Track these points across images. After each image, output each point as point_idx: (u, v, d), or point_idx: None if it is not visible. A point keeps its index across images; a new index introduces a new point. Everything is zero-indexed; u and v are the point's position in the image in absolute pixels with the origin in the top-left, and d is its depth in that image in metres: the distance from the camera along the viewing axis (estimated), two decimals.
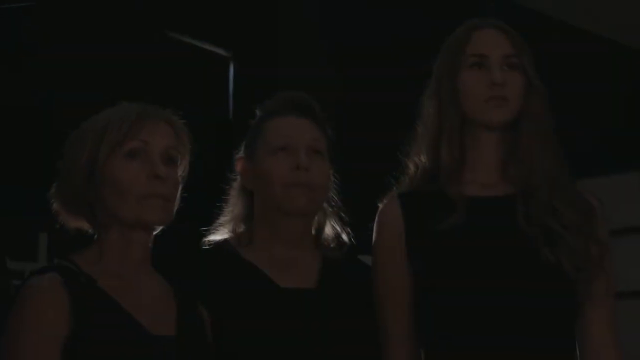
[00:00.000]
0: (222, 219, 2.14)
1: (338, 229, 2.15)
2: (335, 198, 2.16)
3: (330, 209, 2.15)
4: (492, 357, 1.89)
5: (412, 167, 2.10)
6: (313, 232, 2.13)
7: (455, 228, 1.97)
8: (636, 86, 5.17)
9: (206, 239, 2.12)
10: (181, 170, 1.92)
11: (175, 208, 1.89)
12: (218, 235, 2.13)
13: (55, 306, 1.73)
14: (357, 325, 2.00)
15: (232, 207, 2.14)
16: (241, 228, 2.11)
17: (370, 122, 3.80)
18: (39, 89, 3.48)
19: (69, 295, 1.74)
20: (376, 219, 2.09)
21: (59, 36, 3.52)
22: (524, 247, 1.95)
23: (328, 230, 2.15)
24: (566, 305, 1.94)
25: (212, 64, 3.85)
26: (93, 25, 3.56)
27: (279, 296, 2.00)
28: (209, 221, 2.16)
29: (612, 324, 2.01)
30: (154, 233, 1.89)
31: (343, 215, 2.16)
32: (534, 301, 1.91)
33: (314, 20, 4.20)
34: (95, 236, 1.89)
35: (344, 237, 2.15)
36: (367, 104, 3.94)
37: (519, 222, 1.97)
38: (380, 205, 2.09)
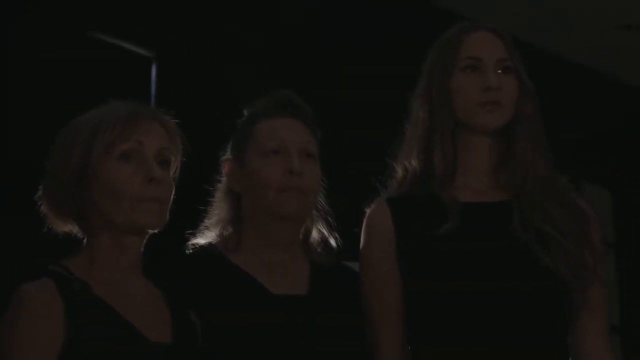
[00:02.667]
0: (208, 222, 2.07)
1: (325, 233, 2.11)
2: (323, 202, 2.11)
3: (317, 214, 2.10)
4: (483, 355, 1.88)
5: (400, 171, 2.07)
6: (300, 236, 2.08)
7: (449, 233, 1.95)
8: (567, 97, 5.21)
9: (190, 243, 2.05)
10: (173, 172, 1.86)
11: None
12: (203, 239, 2.06)
13: (50, 312, 1.67)
14: (350, 330, 1.97)
15: (218, 210, 2.07)
16: (228, 231, 2.04)
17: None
18: None
19: (63, 301, 1.69)
20: (364, 223, 2.06)
21: None
22: (519, 251, 1.94)
23: (315, 234, 2.10)
24: (557, 303, 1.93)
25: (135, 64, 3.75)
26: (19, 23, 3.44)
27: (270, 303, 1.95)
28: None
29: (606, 331, 2.01)
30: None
31: (330, 220, 2.11)
32: (528, 300, 1.90)
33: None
34: (85, 240, 1.82)
35: (332, 242, 2.11)
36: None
37: (514, 228, 1.96)
38: (368, 210, 2.06)
